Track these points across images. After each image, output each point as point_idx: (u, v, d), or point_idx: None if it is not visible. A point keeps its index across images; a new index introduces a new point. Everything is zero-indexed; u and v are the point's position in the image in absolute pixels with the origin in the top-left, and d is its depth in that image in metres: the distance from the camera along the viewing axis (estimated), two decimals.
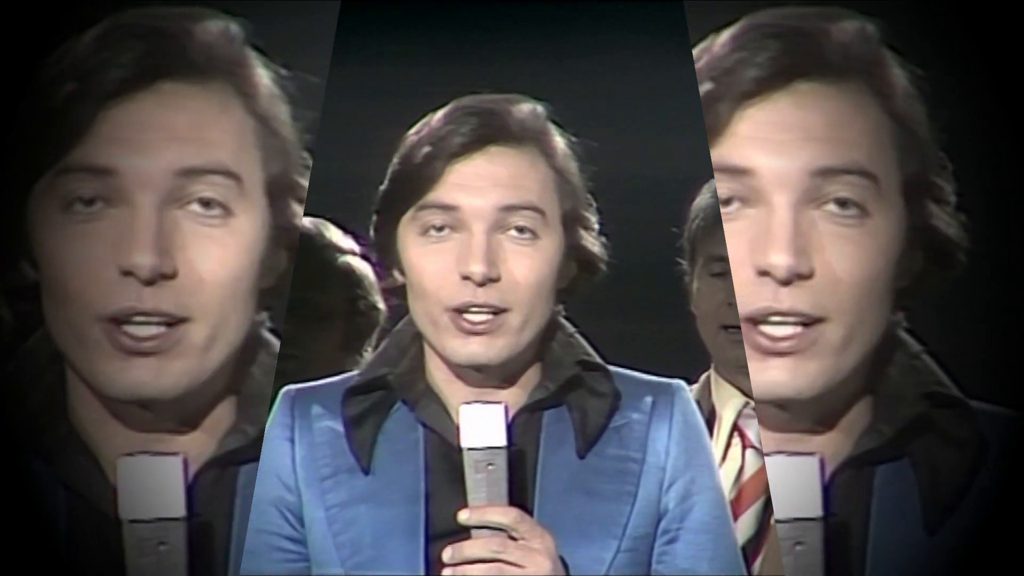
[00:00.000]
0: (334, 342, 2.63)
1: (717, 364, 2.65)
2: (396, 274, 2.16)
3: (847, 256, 1.93)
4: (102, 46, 1.90)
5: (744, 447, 2.62)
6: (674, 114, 2.43)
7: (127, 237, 1.90)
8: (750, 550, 2.47)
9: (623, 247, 2.33)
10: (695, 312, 2.66)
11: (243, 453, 2.01)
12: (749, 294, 1.94)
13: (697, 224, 2.66)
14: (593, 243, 2.17)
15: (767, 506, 2.54)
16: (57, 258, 1.92)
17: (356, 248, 2.66)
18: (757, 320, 1.94)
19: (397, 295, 2.17)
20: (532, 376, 2.15)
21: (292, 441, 2.17)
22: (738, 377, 2.62)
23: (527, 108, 2.13)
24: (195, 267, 1.92)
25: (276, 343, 2.10)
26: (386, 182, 2.16)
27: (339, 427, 2.16)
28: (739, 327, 2.46)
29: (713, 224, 2.62)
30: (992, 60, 2.23)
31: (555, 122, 2.15)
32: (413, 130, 2.15)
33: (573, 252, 2.14)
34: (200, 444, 1.99)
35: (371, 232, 2.19)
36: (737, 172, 1.93)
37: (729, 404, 2.65)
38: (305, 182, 2.05)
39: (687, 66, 2.11)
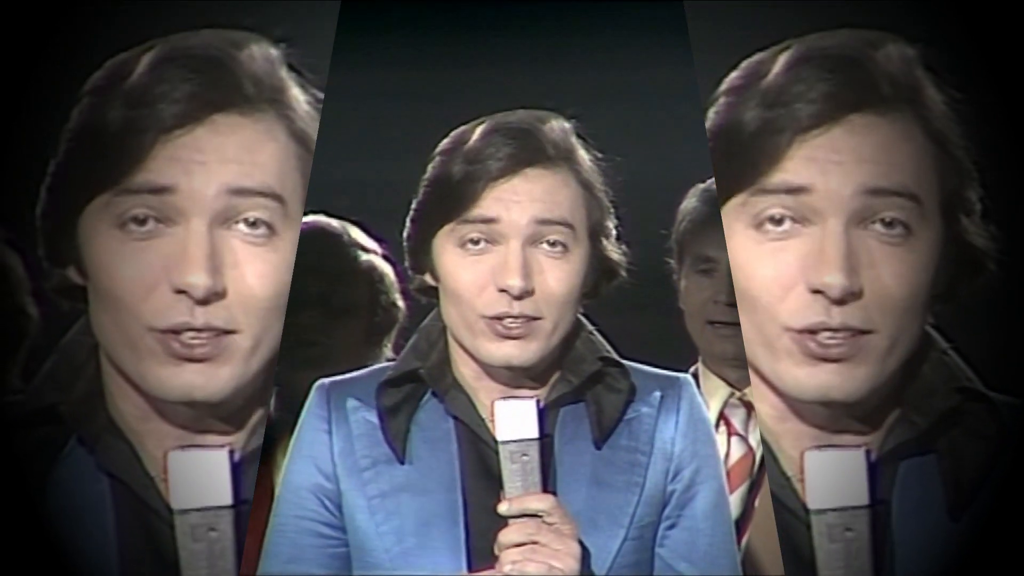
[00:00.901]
0: (356, 334, 2.65)
1: (704, 357, 2.71)
2: (427, 278, 2.20)
3: (893, 274, 1.98)
4: (159, 78, 1.97)
5: (729, 435, 2.68)
6: (674, 114, 2.48)
7: (181, 256, 1.96)
8: (736, 530, 2.45)
9: (633, 252, 2.37)
10: (683, 308, 2.72)
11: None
12: (802, 308, 1.98)
13: (684, 226, 2.71)
14: (615, 251, 2.22)
15: (751, 489, 2.63)
16: (111, 272, 1.98)
17: (378, 249, 2.71)
18: (807, 331, 1.98)
19: (427, 294, 2.22)
20: (554, 374, 2.20)
21: (329, 432, 2.20)
22: (724, 369, 2.70)
23: (557, 127, 2.18)
24: (243, 284, 1.99)
25: None
26: (421, 195, 2.19)
27: (374, 419, 2.19)
28: (725, 323, 2.66)
29: (699, 226, 2.70)
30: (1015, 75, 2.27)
31: (581, 137, 2.20)
32: (445, 144, 2.19)
33: (597, 262, 2.18)
34: (230, 438, 2.05)
35: (404, 238, 2.22)
36: (794, 190, 1.98)
37: (716, 395, 2.69)
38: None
39: (687, 66, 2.16)
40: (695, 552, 2.19)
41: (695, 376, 2.66)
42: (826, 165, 1.98)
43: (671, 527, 2.19)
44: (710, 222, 2.65)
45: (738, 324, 2.49)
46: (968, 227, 2.04)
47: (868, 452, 1.98)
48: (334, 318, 2.69)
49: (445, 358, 2.19)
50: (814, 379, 1.99)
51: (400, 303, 2.68)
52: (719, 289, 2.67)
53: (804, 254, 1.98)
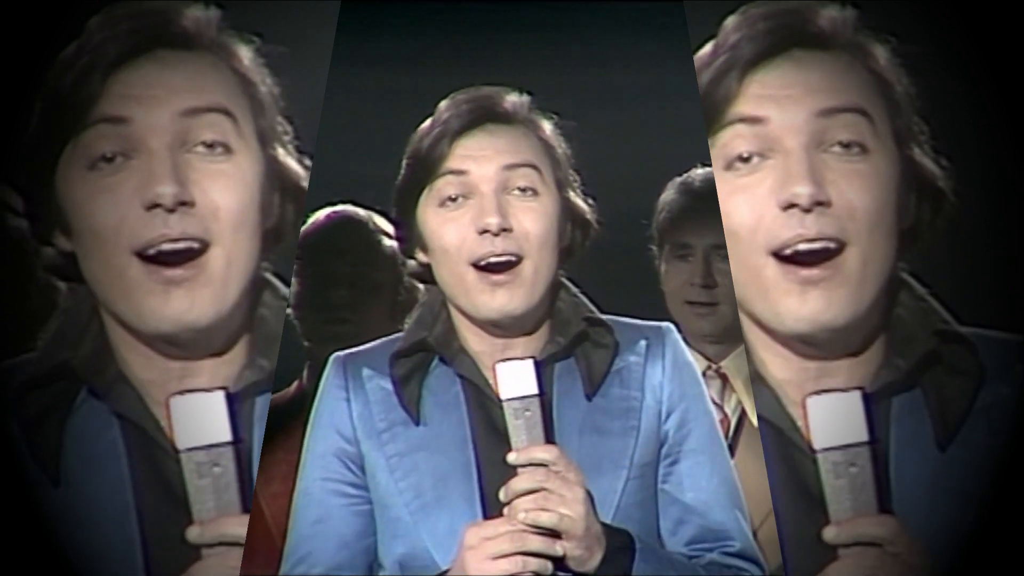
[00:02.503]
0: (382, 311, 2.75)
1: (684, 333, 2.57)
2: (420, 256, 2.27)
3: (857, 187, 2.04)
4: (102, 24, 2.04)
5: None
6: (674, 114, 2.52)
7: (148, 176, 2.02)
8: None
9: (622, 239, 2.53)
10: (664, 290, 2.85)
11: (261, 385, 2.13)
12: (779, 227, 2.05)
13: (664, 216, 2.84)
14: (582, 202, 2.29)
15: (728, 450, 2.53)
16: (89, 210, 2.04)
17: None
18: (788, 251, 2.04)
19: (425, 279, 2.29)
20: (544, 333, 2.26)
21: (348, 400, 2.26)
22: (702, 345, 2.83)
23: (515, 97, 2.26)
24: (209, 196, 2.04)
25: (282, 287, 2.19)
26: (401, 174, 2.27)
27: (388, 386, 2.25)
28: (701, 303, 2.79)
29: (677, 215, 2.82)
30: (963, 30, 2.32)
31: (539, 108, 2.27)
32: (419, 129, 2.26)
33: (567, 212, 2.26)
34: (223, 378, 2.11)
35: (392, 221, 2.32)
36: (753, 121, 2.05)
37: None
38: (287, 133, 2.16)
39: (687, 66, 2.17)
40: (700, 481, 2.26)
41: None
42: (778, 98, 2.05)
43: (673, 463, 2.26)
44: (686, 212, 2.81)
45: (713, 304, 2.78)
46: (920, 156, 2.10)
47: (864, 393, 2.02)
48: (360, 298, 2.81)
49: (449, 327, 2.26)
50: (804, 307, 2.04)
51: (421, 285, 2.75)
52: (695, 272, 2.80)
53: (772, 180, 2.05)
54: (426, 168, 2.22)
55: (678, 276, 2.82)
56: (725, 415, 2.81)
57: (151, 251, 2.03)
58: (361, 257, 2.79)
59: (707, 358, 2.83)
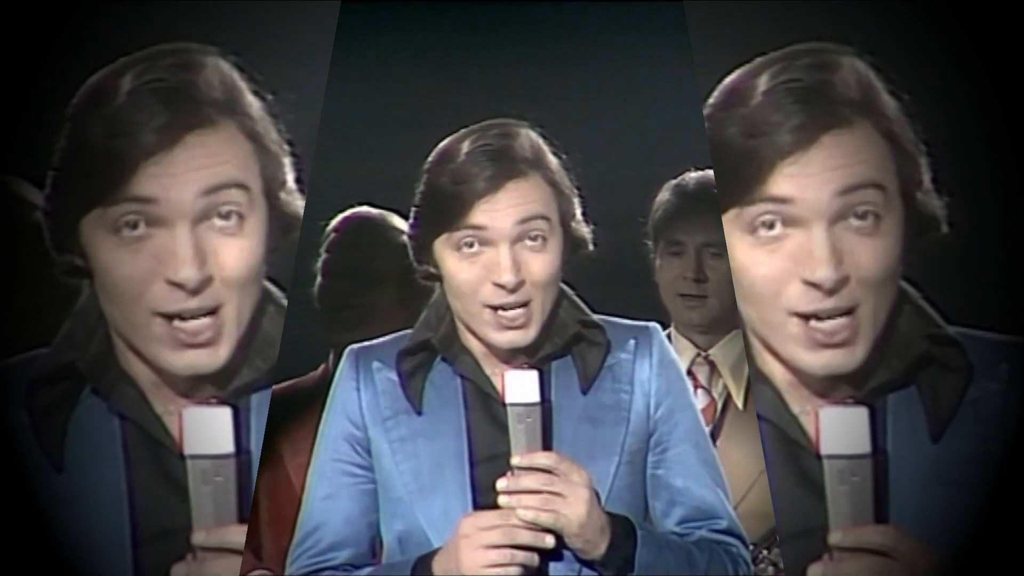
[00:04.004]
0: (388, 300, 2.77)
1: (675, 323, 2.89)
2: (431, 268, 2.29)
3: (871, 256, 2.08)
4: (136, 108, 2.08)
5: (696, 387, 2.84)
6: (674, 114, 2.53)
7: (171, 255, 2.08)
8: None
9: (621, 235, 2.64)
10: (658, 282, 2.90)
11: (257, 383, 2.18)
12: (799, 297, 2.08)
13: (659, 215, 2.89)
14: (583, 230, 2.32)
15: (714, 432, 2.79)
16: (112, 271, 2.10)
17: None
18: (807, 315, 2.09)
19: (432, 279, 2.31)
20: (545, 340, 2.29)
21: (358, 390, 2.32)
22: (692, 334, 2.89)
23: (527, 140, 2.27)
24: (224, 267, 2.10)
25: (280, 295, 2.21)
26: (418, 202, 2.30)
27: (395, 378, 2.31)
28: (692, 295, 2.83)
29: (671, 215, 2.87)
30: (963, 73, 2.31)
31: (546, 139, 2.29)
32: (433, 158, 2.28)
33: (570, 242, 2.30)
34: (223, 381, 2.17)
35: (408, 237, 2.33)
36: (779, 200, 2.08)
37: (685, 354, 2.86)
38: (290, 176, 2.17)
39: (687, 66, 2.18)
40: (687, 467, 2.31)
41: (668, 338, 2.68)
42: (804, 179, 2.07)
43: (663, 451, 2.31)
44: (680, 212, 2.87)
45: (703, 296, 2.82)
46: (922, 201, 2.12)
47: (871, 410, 2.07)
48: (367, 288, 2.90)
49: (452, 330, 2.31)
50: (819, 360, 2.10)
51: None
52: (687, 267, 2.85)
53: (795, 251, 2.08)
54: (447, 218, 2.25)
55: (671, 270, 2.88)
56: (712, 398, 2.87)
57: (170, 315, 2.11)
58: (377, 253, 2.83)
59: (696, 346, 2.89)
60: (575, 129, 2.35)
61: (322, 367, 2.98)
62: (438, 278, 2.31)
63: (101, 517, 2.15)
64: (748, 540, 2.37)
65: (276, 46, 2.24)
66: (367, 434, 2.32)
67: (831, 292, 2.07)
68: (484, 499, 2.24)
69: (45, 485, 2.15)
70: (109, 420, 2.17)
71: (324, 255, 3.00)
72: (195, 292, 2.09)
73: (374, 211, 2.93)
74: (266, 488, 2.89)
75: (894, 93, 2.12)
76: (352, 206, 2.96)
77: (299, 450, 2.62)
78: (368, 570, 2.32)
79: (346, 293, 2.95)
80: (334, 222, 3.00)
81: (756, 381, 2.21)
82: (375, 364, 2.34)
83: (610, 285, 2.44)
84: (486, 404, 2.28)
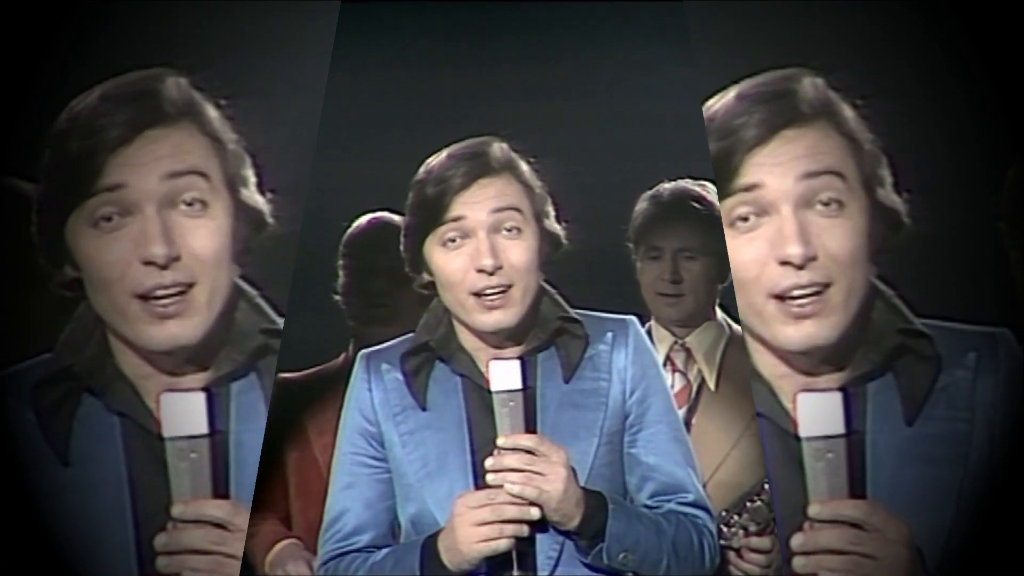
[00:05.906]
0: (413, 298, 2.74)
1: (655, 317, 3.03)
2: (425, 276, 2.45)
3: (837, 238, 2.19)
4: (103, 111, 2.21)
5: (673, 371, 2.99)
6: (673, 114, 2.60)
7: (142, 237, 2.21)
8: None
9: (621, 233, 2.79)
10: (640, 282, 3.03)
11: (235, 374, 2.30)
12: (777, 278, 2.20)
13: (638, 223, 3.02)
14: (556, 228, 2.45)
15: (690, 411, 2.94)
16: (95, 260, 2.23)
17: None
18: (785, 295, 2.20)
19: (429, 289, 2.46)
20: (530, 330, 2.44)
21: (370, 390, 2.47)
22: (670, 327, 3.03)
23: (498, 148, 2.42)
24: (192, 248, 2.22)
25: (252, 291, 2.31)
26: (407, 216, 2.44)
27: (401, 377, 2.46)
28: (669, 295, 2.96)
29: (648, 223, 3.00)
30: (916, 82, 2.42)
31: (517, 151, 2.43)
32: (419, 175, 2.43)
33: (545, 237, 2.43)
34: (203, 376, 2.29)
35: (402, 250, 2.48)
36: (750, 188, 2.19)
37: (664, 342, 3.02)
38: (252, 178, 2.28)
39: (687, 66, 2.29)
40: (659, 446, 2.45)
41: (648, 332, 2.85)
42: (770, 167, 2.20)
43: (637, 431, 2.46)
44: (656, 220, 2.99)
45: (679, 295, 2.98)
46: (884, 196, 2.24)
47: (845, 394, 2.17)
48: (394, 286, 2.98)
49: (450, 330, 2.45)
50: (799, 332, 2.21)
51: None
52: (664, 270, 2.98)
53: (769, 238, 2.21)
54: (432, 218, 2.39)
55: (651, 272, 3.01)
56: (688, 382, 2.99)
57: (148, 295, 2.23)
58: (395, 253, 2.77)
59: (674, 335, 3.04)
60: (575, 129, 2.54)
61: (343, 355, 3.10)
62: (433, 286, 2.44)
63: (105, 504, 2.26)
64: (714, 512, 2.51)
65: (276, 46, 2.32)
66: (380, 428, 2.47)
67: (801, 267, 2.18)
68: (484, 482, 2.36)
69: (54, 478, 2.27)
70: (108, 416, 2.28)
71: (345, 255, 3.12)
72: (166, 267, 2.20)
73: (394, 216, 2.96)
74: (295, 465, 3.05)
75: (849, 102, 2.25)
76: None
77: (324, 430, 2.79)
78: (386, 551, 2.45)
79: (366, 288, 3.09)
80: (354, 225, 3.12)
81: (753, 379, 2.30)
82: (384, 366, 2.49)
83: (602, 282, 2.61)
84: (482, 398, 2.40)
